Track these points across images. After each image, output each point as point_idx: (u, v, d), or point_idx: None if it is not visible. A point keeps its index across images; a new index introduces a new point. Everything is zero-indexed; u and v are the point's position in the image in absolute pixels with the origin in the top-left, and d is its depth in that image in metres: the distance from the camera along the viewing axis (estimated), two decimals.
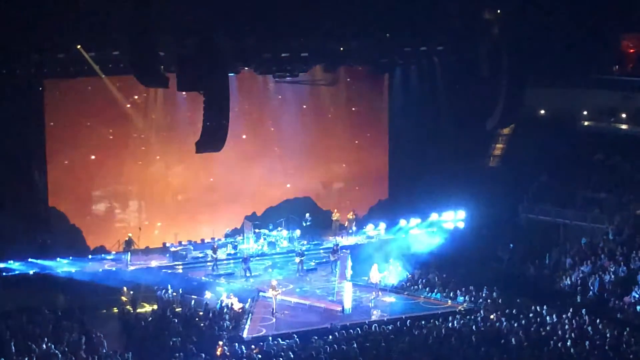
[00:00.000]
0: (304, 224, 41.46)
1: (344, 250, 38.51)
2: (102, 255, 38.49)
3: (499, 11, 39.26)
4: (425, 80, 42.71)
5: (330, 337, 29.87)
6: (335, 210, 42.48)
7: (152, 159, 41.11)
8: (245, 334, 31.16)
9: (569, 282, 35.89)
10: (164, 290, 34.94)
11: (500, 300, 33.73)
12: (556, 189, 42.60)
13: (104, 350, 29.28)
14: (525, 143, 43.08)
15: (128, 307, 34.12)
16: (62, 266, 36.40)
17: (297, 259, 37.97)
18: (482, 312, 32.85)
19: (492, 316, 32.14)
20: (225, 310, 33.06)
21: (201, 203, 41.88)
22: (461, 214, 40.77)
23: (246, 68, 38.45)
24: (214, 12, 33.18)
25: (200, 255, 38.97)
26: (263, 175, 43.05)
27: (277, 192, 43.53)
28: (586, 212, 40.80)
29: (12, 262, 35.92)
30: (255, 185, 42.91)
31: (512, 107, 39.58)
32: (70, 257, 37.00)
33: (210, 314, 32.59)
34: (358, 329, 30.75)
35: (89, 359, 28.20)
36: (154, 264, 37.86)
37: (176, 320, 31.74)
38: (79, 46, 34.52)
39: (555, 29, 40.03)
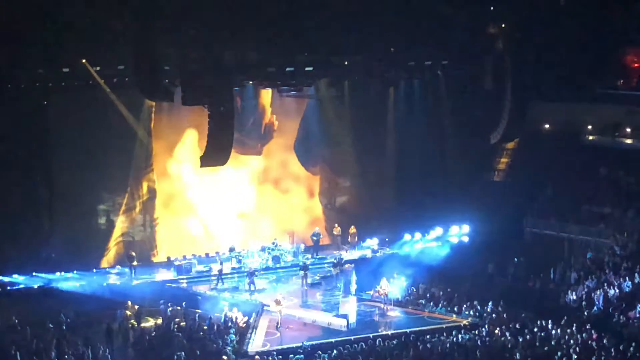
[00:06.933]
0: (313, 238, 41.45)
1: (347, 265, 38.40)
2: (107, 269, 38.53)
3: (503, 25, 39.33)
4: (429, 94, 42.74)
5: (335, 351, 29.81)
6: (336, 224, 42.33)
7: (157, 174, 41.09)
8: (249, 348, 31.09)
9: (574, 297, 35.76)
10: (168, 305, 34.93)
11: (505, 315, 33.59)
12: (561, 203, 42.47)
13: None
14: (530, 157, 43.05)
15: (132, 321, 34.03)
16: (67, 280, 36.42)
17: (302, 273, 37.89)
18: (486, 326, 32.77)
19: (496, 331, 32.04)
20: (229, 324, 32.99)
21: (205, 217, 41.95)
22: (466, 228, 40.67)
23: (250, 82, 38.53)
24: (219, 27, 33.30)
25: (205, 269, 38.90)
26: (265, 190, 43.15)
27: (280, 207, 43.58)
28: (591, 226, 40.66)
29: (16, 276, 35.96)
30: (257, 200, 42.99)
31: (516, 121, 39.62)
32: (75, 271, 37.01)
33: (215, 328, 32.52)
34: (362, 343, 30.69)
35: None
36: (158, 278, 37.81)
37: (180, 335, 31.71)
38: (84, 60, 34.68)
39: (560, 43, 40.02)
